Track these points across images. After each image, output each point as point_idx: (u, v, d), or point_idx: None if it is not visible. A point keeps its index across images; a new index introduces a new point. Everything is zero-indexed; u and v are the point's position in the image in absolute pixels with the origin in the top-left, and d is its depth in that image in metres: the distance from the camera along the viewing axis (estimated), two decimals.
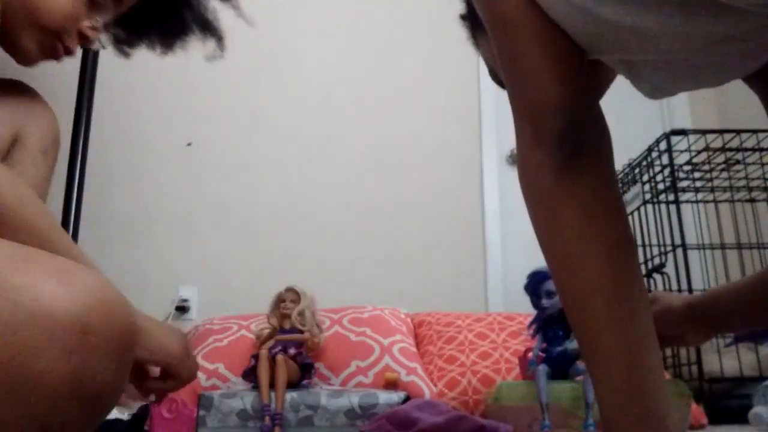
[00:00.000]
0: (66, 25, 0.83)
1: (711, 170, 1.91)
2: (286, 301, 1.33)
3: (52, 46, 0.84)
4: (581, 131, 0.60)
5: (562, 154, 0.60)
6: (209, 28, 0.99)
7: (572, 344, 1.10)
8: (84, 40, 0.87)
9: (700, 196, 2.03)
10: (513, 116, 0.64)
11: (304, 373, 1.22)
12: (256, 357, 1.17)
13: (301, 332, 1.28)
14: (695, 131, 1.85)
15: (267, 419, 1.02)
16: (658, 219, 1.86)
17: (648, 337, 0.56)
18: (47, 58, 0.86)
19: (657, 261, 1.84)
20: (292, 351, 1.21)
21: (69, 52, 0.86)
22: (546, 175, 0.60)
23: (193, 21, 0.98)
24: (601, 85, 0.76)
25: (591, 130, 0.62)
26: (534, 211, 0.63)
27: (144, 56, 1.03)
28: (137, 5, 0.91)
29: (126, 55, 1.02)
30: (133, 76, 2.20)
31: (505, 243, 2.59)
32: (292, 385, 1.16)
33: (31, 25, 0.82)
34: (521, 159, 0.63)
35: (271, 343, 1.25)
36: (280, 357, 1.14)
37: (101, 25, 0.87)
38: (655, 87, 0.67)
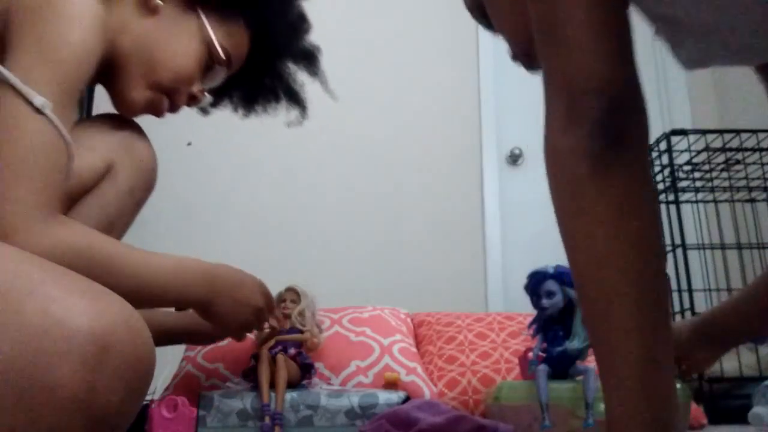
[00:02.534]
0: (181, 87, 0.85)
1: (711, 170, 1.91)
2: (286, 301, 1.33)
3: (159, 102, 0.85)
4: (624, 116, 0.53)
5: (601, 141, 0.53)
6: (296, 99, 1.02)
7: (572, 344, 1.10)
8: (192, 101, 0.88)
9: (700, 196, 2.03)
10: (545, 92, 0.57)
11: (304, 373, 1.21)
12: (256, 357, 1.17)
13: (301, 332, 1.28)
14: (695, 131, 1.85)
15: (267, 419, 1.02)
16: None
17: (666, 346, 0.54)
18: (149, 113, 0.86)
19: None
20: (292, 351, 1.20)
21: (174, 110, 0.87)
22: (579, 163, 0.54)
23: (282, 90, 1.00)
24: None
25: (633, 116, 0.54)
26: (560, 201, 0.57)
27: None
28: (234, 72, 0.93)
29: (206, 113, 1.02)
30: None
31: (505, 243, 2.59)
32: (292, 386, 1.16)
33: (146, 79, 0.82)
34: (550, 142, 0.57)
35: (271, 343, 1.24)
36: (280, 357, 1.14)
37: (207, 88, 0.89)
38: (692, 58, 0.61)
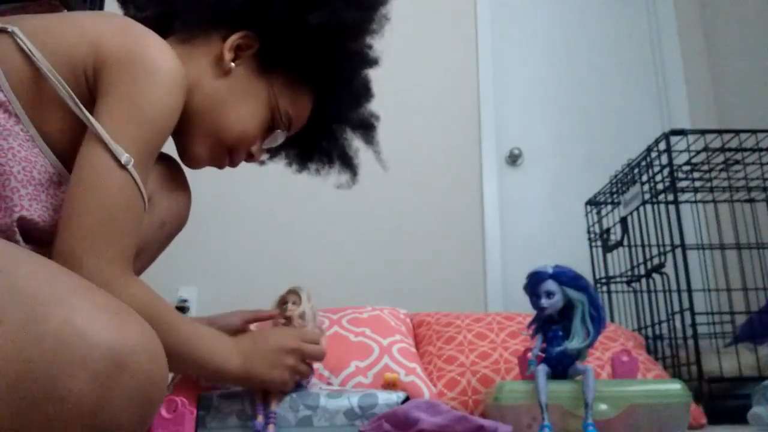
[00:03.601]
0: (242, 146, 0.88)
1: (710, 170, 1.91)
2: (287, 303, 1.33)
3: (221, 158, 0.88)
4: None
5: None
6: (349, 164, 1.06)
7: (571, 344, 1.10)
8: (250, 158, 0.92)
9: (699, 196, 2.03)
10: None
11: None
12: None
13: None
14: (694, 131, 1.85)
15: (260, 417, 1.02)
16: (657, 219, 1.87)
17: None
18: (210, 165, 0.90)
19: (656, 261, 1.84)
20: None
21: (233, 165, 0.91)
22: None
23: (336, 155, 1.05)
24: None
25: None
26: None
27: None
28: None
29: (261, 164, 1.06)
30: None
31: (505, 243, 2.59)
32: None
33: (210, 136, 0.85)
34: None
35: None
36: None
37: (265, 148, 0.94)
38: None
